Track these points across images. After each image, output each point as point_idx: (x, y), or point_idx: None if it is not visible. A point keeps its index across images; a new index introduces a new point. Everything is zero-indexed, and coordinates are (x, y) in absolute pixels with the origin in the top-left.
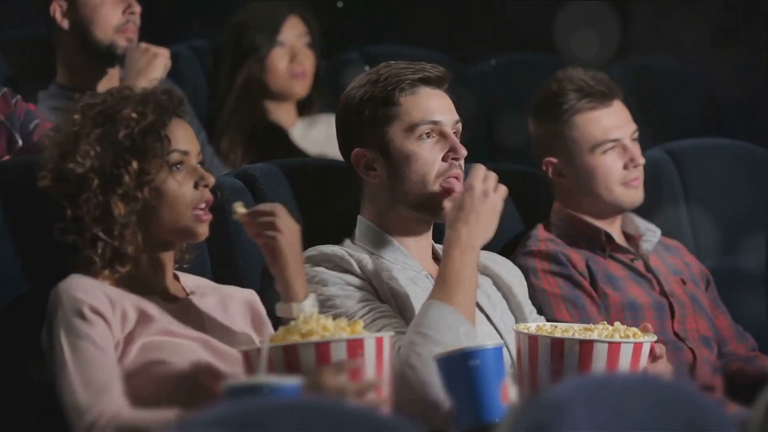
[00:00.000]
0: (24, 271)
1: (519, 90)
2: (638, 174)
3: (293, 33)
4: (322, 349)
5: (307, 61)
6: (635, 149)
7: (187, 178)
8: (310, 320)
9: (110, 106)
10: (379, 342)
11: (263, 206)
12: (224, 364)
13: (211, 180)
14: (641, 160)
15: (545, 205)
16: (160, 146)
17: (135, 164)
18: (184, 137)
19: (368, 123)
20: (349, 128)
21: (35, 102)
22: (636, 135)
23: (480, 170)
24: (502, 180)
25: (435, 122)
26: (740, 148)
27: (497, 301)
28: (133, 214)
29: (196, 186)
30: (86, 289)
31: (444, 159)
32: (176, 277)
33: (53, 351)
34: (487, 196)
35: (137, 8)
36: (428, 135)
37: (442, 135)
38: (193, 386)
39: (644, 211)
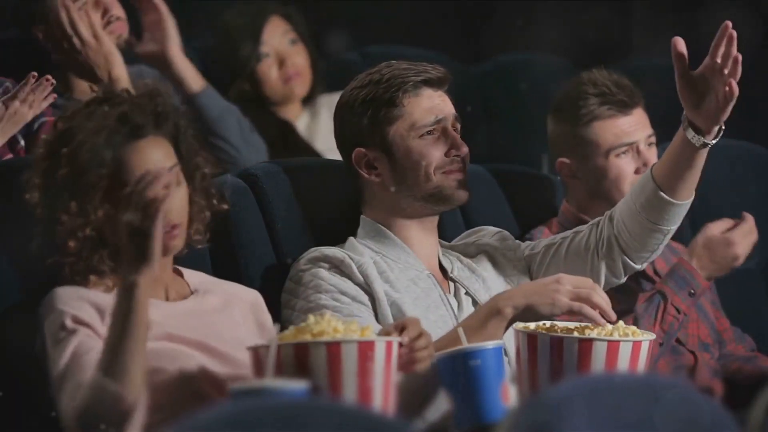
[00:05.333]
0: (24, 272)
1: (519, 90)
2: None
3: (276, 35)
4: (333, 349)
5: (298, 59)
6: (649, 154)
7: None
8: (322, 321)
9: (65, 133)
10: (389, 345)
11: (410, 327)
12: (225, 369)
13: (172, 204)
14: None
15: (545, 206)
16: (101, 182)
17: (73, 205)
18: (148, 164)
19: (370, 123)
20: (350, 128)
21: None
22: (652, 140)
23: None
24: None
25: (437, 121)
26: (740, 148)
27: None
28: (86, 244)
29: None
30: (68, 301)
31: (446, 155)
32: (180, 273)
33: (46, 363)
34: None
35: (116, 10)
36: (429, 132)
37: (444, 132)
38: (194, 394)
39: None
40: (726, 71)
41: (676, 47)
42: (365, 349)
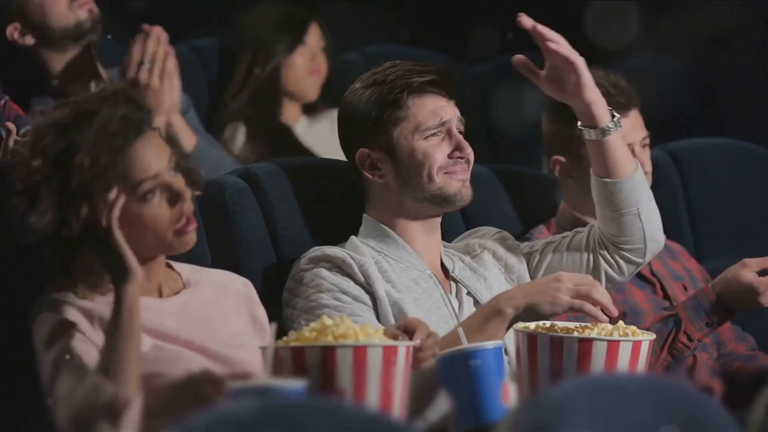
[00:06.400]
0: (22, 274)
1: (519, 90)
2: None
3: (315, 36)
4: (359, 353)
5: (323, 64)
6: (644, 156)
7: (162, 199)
8: (342, 323)
9: (69, 145)
10: (408, 350)
11: (420, 328)
12: (221, 368)
13: (186, 195)
14: (648, 168)
15: (545, 206)
16: (112, 185)
17: (85, 209)
18: (152, 158)
19: (374, 124)
20: (354, 128)
21: (29, 107)
22: (646, 142)
23: None
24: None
25: (442, 123)
26: (740, 148)
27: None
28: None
29: (172, 203)
30: (54, 307)
31: (449, 156)
32: (171, 266)
33: (41, 374)
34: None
35: None
36: (434, 134)
37: (448, 133)
38: (195, 396)
39: None
40: (554, 48)
41: (515, 61)
42: (389, 353)
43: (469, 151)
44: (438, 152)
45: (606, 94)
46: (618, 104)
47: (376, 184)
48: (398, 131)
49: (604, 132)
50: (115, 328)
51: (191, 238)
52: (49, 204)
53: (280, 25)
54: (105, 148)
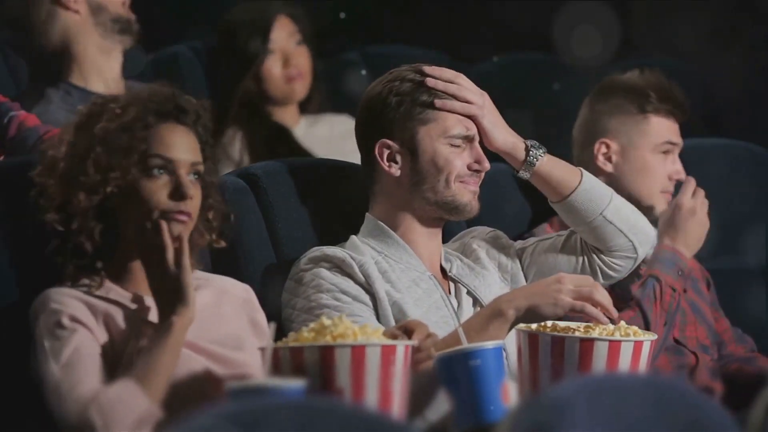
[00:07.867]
0: (21, 273)
1: (519, 90)
2: (672, 190)
3: (283, 34)
4: (358, 352)
5: (302, 60)
6: (680, 166)
7: (165, 185)
8: (341, 323)
9: (110, 101)
10: (407, 349)
11: (419, 329)
12: (221, 368)
13: (189, 192)
14: (683, 176)
15: (545, 206)
16: (133, 145)
17: (104, 158)
18: (176, 144)
19: (401, 119)
20: (379, 119)
21: (43, 97)
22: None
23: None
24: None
25: (469, 135)
26: (740, 148)
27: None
28: (94, 209)
29: (173, 197)
30: (61, 300)
31: (469, 167)
32: None
33: (39, 367)
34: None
35: None
36: (459, 143)
37: (471, 144)
38: (197, 395)
39: None
40: (439, 106)
41: None
42: (387, 353)
43: (487, 166)
44: (459, 160)
45: (680, 100)
46: (681, 108)
47: (388, 177)
48: (424, 131)
49: (529, 166)
50: (157, 348)
51: (177, 229)
52: (66, 139)
53: (243, 30)
54: (142, 106)
